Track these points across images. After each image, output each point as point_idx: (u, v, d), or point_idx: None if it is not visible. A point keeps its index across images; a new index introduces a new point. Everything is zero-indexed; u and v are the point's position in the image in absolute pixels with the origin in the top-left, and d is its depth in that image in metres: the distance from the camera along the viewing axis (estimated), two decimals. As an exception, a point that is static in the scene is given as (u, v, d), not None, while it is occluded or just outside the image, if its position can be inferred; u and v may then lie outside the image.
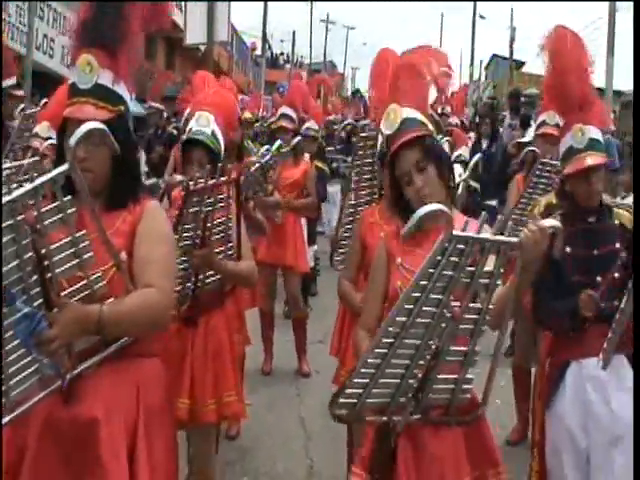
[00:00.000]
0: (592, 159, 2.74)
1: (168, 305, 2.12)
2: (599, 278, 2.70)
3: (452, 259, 1.86)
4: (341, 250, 3.75)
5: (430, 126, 2.35)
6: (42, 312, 1.87)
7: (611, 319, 2.59)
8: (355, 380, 1.95)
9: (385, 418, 2.05)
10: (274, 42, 43.24)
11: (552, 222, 2.01)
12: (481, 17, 36.64)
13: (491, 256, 1.92)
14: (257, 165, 4.41)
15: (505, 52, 31.90)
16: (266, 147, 4.93)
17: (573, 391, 2.71)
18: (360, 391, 1.96)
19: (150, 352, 2.20)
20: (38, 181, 1.86)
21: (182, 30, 9.39)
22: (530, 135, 5.46)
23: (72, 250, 1.94)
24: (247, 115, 9.00)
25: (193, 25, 9.04)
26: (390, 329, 1.90)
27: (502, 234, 1.96)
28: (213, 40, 9.02)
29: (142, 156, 7.25)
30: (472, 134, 9.18)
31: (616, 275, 2.69)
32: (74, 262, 1.95)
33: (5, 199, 1.80)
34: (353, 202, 3.73)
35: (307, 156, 5.81)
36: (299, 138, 5.63)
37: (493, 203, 7.16)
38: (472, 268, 1.90)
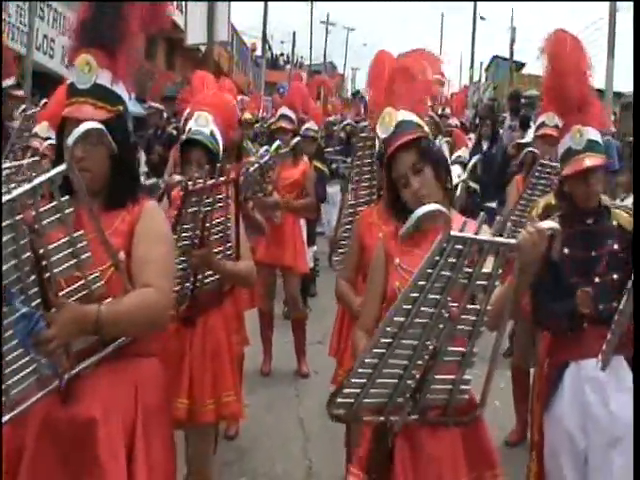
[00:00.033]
0: (590, 160, 2.74)
1: (166, 305, 2.12)
2: (597, 279, 2.70)
3: (450, 260, 1.86)
4: (340, 250, 3.74)
5: (426, 128, 2.35)
6: (40, 312, 1.87)
7: (610, 320, 2.58)
8: (353, 380, 1.95)
9: (383, 418, 2.05)
10: (274, 43, 43.34)
11: (550, 224, 2.01)
12: (481, 18, 36.70)
13: (489, 257, 1.91)
14: (256, 165, 4.41)
15: (505, 53, 31.95)
16: (265, 148, 4.93)
17: (572, 392, 2.71)
18: (358, 391, 1.96)
19: (148, 352, 2.20)
20: (36, 181, 1.86)
21: (182, 30, 9.40)
22: (530, 136, 5.46)
23: (70, 250, 1.94)
24: (247, 116, 8.98)
25: (193, 25, 9.07)
26: (388, 329, 1.90)
27: (501, 235, 1.96)
28: (213, 40, 9.04)
29: (142, 156, 7.24)
30: (472, 135, 9.17)
31: (614, 276, 2.69)
32: (72, 262, 1.95)
33: (5, 198, 1.80)
34: (352, 202, 3.73)
35: (305, 157, 5.81)
36: (298, 139, 5.63)
37: (493, 205, 7.13)
38: (470, 269, 1.90)
